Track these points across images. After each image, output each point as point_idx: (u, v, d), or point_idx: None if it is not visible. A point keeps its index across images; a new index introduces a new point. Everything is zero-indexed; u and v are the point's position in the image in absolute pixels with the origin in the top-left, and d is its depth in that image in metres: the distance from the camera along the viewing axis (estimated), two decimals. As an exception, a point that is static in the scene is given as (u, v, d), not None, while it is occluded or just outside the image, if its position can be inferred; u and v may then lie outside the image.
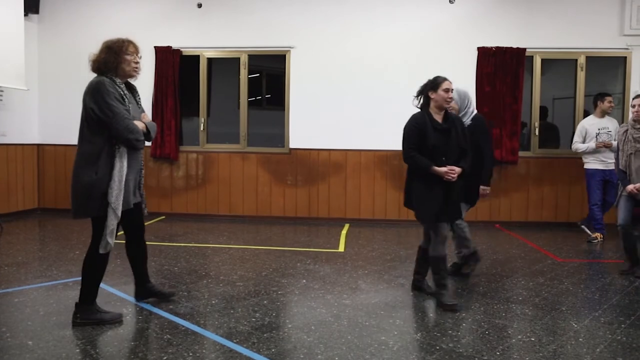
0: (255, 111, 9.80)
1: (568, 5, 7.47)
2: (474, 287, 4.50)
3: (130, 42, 3.47)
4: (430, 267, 4.10)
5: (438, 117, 4.00)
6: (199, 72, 8.03)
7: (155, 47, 7.76)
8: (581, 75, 7.55)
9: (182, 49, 7.87)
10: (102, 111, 3.27)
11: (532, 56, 7.57)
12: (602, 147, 6.32)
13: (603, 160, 6.35)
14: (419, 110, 4.08)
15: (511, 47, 7.39)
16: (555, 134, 7.94)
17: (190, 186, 8.03)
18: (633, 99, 4.80)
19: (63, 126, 8.17)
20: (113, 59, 3.39)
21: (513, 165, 7.58)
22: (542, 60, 7.62)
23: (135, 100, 3.61)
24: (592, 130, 6.46)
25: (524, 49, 7.38)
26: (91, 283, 3.47)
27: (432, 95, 3.98)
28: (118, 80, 3.41)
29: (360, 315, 3.77)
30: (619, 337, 3.41)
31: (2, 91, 7.49)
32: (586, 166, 6.53)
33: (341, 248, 6.05)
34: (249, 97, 8.14)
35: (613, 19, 7.41)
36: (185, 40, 7.91)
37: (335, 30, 7.75)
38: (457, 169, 3.90)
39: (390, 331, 3.48)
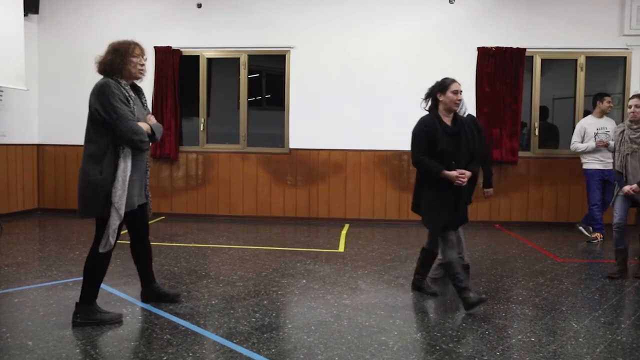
0: (255, 111, 9.81)
1: (568, 5, 7.47)
2: (474, 287, 4.49)
3: (136, 45, 3.51)
4: (446, 274, 4.01)
5: (447, 120, 3.92)
6: (199, 72, 8.03)
7: (155, 47, 7.76)
8: (581, 76, 7.55)
9: (181, 49, 7.87)
10: (106, 112, 3.28)
11: (532, 56, 7.57)
12: (602, 146, 6.32)
13: (602, 160, 6.35)
14: (427, 113, 4.00)
15: (511, 47, 7.39)
16: (554, 134, 7.94)
17: (190, 186, 8.03)
18: (629, 99, 4.78)
19: (63, 126, 8.18)
20: (119, 61, 3.42)
21: (513, 165, 7.58)
22: (542, 60, 7.62)
23: (141, 102, 3.63)
24: (590, 130, 6.47)
25: (524, 49, 7.39)
26: (92, 283, 3.47)
27: (441, 98, 3.91)
28: (123, 82, 3.43)
29: (360, 315, 3.77)
30: (619, 337, 3.41)
31: (2, 91, 7.49)
32: (585, 166, 6.53)
33: (341, 248, 6.05)
34: (248, 97, 8.14)
35: (613, 19, 7.41)
36: (185, 40, 7.91)
37: (335, 30, 7.75)
38: (468, 173, 3.84)
39: (390, 331, 3.48)
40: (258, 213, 7.96)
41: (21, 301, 3.97)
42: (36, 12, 8.03)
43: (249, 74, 8.08)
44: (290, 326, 3.56)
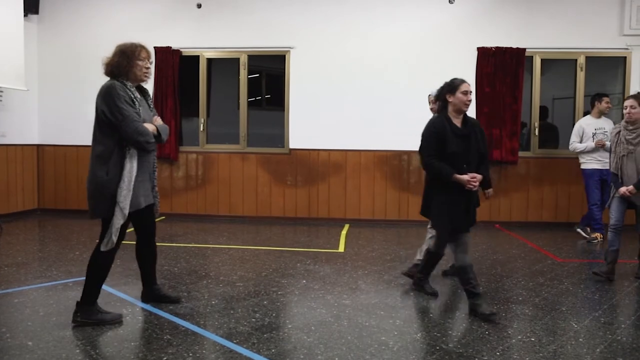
0: (255, 111, 9.81)
1: (568, 5, 7.47)
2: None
3: (142, 48, 3.54)
4: (459, 279, 3.93)
5: (457, 122, 3.82)
6: (199, 73, 8.03)
7: (154, 47, 7.76)
8: (581, 76, 7.55)
9: (181, 49, 7.87)
10: (112, 114, 3.32)
11: (532, 56, 7.57)
12: (601, 146, 6.32)
13: (600, 160, 6.35)
14: (437, 114, 3.93)
15: (511, 47, 7.39)
16: (554, 134, 7.95)
17: (190, 186, 8.03)
18: (625, 100, 4.71)
19: (63, 127, 8.18)
20: (125, 64, 3.45)
21: (513, 165, 7.58)
22: (542, 61, 7.62)
23: (147, 103, 3.66)
24: (588, 130, 6.48)
25: (524, 49, 7.39)
26: (94, 282, 3.48)
27: (450, 99, 3.80)
28: (129, 84, 3.46)
29: (360, 315, 3.77)
30: (619, 338, 3.41)
31: (1, 92, 7.49)
32: (583, 166, 6.54)
33: (341, 248, 6.05)
34: (248, 98, 8.14)
35: (613, 19, 7.41)
36: (184, 40, 7.91)
37: (335, 30, 7.75)
38: (479, 177, 3.76)
39: (391, 331, 3.48)
40: (258, 213, 7.96)
41: (21, 301, 3.97)
42: (36, 12, 8.03)
43: (248, 74, 8.08)
44: (290, 326, 3.56)
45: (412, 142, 4.73)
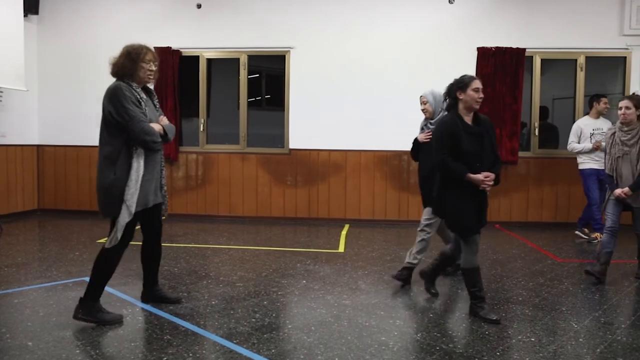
0: (255, 112, 9.81)
1: (568, 5, 7.47)
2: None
3: (148, 50, 3.57)
4: (464, 280, 3.85)
5: (468, 120, 3.73)
6: (199, 73, 8.03)
7: (154, 47, 7.67)
8: (581, 76, 7.55)
9: (181, 50, 7.87)
10: (119, 114, 3.36)
11: (532, 56, 7.57)
12: (597, 148, 6.32)
13: (597, 160, 6.35)
14: (446, 113, 3.85)
15: (511, 47, 7.39)
16: (554, 134, 7.95)
17: (190, 187, 8.03)
18: (620, 101, 4.66)
19: (63, 127, 8.18)
20: (130, 65, 3.48)
21: (513, 165, 7.58)
22: (542, 61, 7.62)
23: (153, 103, 3.70)
24: (586, 131, 6.49)
25: (524, 49, 7.39)
26: (99, 280, 3.50)
27: (461, 96, 3.69)
28: (134, 85, 3.50)
29: (360, 315, 3.77)
30: (619, 338, 3.41)
31: (1, 92, 7.49)
32: (581, 167, 6.54)
33: (341, 248, 6.05)
34: (248, 98, 8.13)
35: (613, 19, 7.41)
36: (184, 40, 7.91)
37: (335, 30, 7.75)
38: (492, 176, 3.66)
39: (391, 332, 3.48)
40: (258, 213, 7.96)
41: (21, 302, 3.97)
42: (36, 12, 8.03)
43: (248, 74, 8.08)
44: (290, 326, 3.56)
45: (412, 142, 4.70)
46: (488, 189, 3.67)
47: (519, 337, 3.40)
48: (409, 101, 7.44)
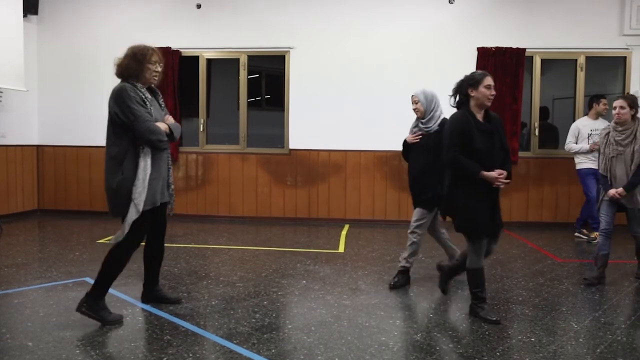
0: (255, 112, 9.81)
1: (568, 5, 7.47)
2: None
3: (154, 51, 3.59)
4: (468, 280, 3.81)
5: (479, 117, 3.68)
6: (199, 73, 8.03)
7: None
8: (581, 76, 7.55)
9: (181, 50, 7.87)
10: (124, 115, 3.40)
11: (532, 56, 7.57)
12: (595, 149, 6.32)
13: (594, 160, 6.34)
14: (456, 109, 3.76)
15: (511, 47, 7.39)
16: (554, 134, 7.94)
17: (190, 187, 8.03)
18: (615, 101, 4.61)
19: (63, 127, 8.18)
20: (136, 66, 3.52)
21: (513, 165, 7.52)
22: (542, 61, 7.62)
23: (158, 103, 3.73)
24: (584, 131, 6.49)
25: (524, 49, 7.38)
26: (106, 278, 3.53)
27: (472, 93, 3.64)
28: (139, 85, 3.54)
29: (360, 316, 3.77)
30: (619, 338, 3.41)
31: (1, 92, 7.49)
32: (579, 166, 6.54)
33: (341, 249, 6.05)
34: (248, 98, 8.13)
35: (613, 19, 7.41)
36: (184, 41, 7.91)
37: (335, 30, 7.75)
38: (505, 173, 3.60)
39: (391, 332, 3.48)
40: (258, 214, 7.96)
41: (21, 302, 3.97)
42: (35, 13, 8.03)
43: (248, 74, 8.08)
44: (290, 327, 3.56)
45: (402, 142, 4.69)
46: (502, 186, 3.62)
47: (519, 337, 3.40)
48: (409, 101, 7.41)
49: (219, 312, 3.82)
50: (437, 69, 7.49)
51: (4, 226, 6.74)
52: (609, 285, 4.61)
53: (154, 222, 3.79)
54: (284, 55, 7.86)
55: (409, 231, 4.49)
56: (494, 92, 3.66)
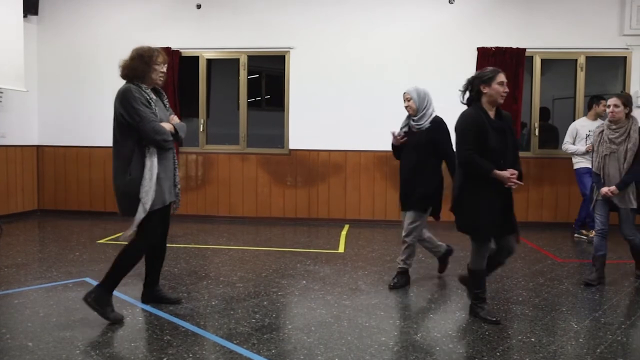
0: (255, 112, 9.82)
1: (568, 5, 7.47)
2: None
3: (160, 52, 3.66)
4: (469, 281, 3.79)
5: (491, 114, 3.60)
6: (199, 73, 8.03)
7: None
8: (581, 76, 7.54)
9: (181, 50, 7.87)
10: (130, 116, 3.44)
11: (532, 56, 7.57)
12: (591, 149, 6.32)
13: (591, 160, 6.35)
14: (468, 106, 3.67)
15: (511, 48, 7.39)
16: (554, 135, 7.94)
17: (190, 187, 8.02)
18: (608, 99, 4.58)
19: (63, 127, 8.18)
20: (143, 68, 3.57)
21: (513, 165, 7.56)
22: (542, 61, 7.61)
23: (163, 104, 3.78)
24: (582, 132, 6.49)
25: (524, 49, 7.38)
26: (116, 273, 3.56)
27: (485, 90, 3.56)
28: (144, 86, 3.58)
29: (360, 316, 3.77)
30: (620, 338, 3.41)
31: (1, 92, 7.49)
32: (577, 166, 6.55)
33: (341, 249, 6.05)
34: (248, 98, 8.13)
35: (613, 19, 7.41)
36: (184, 41, 7.90)
37: (335, 30, 7.75)
38: (516, 173, 3.50)
39: (391, 332, 3.48)
40: (258, 214, 7.95)
41: (21, 302, 3.97)
42: (36, 13, 8.03)
43: (248, 74, 8.08)
44: (290, 327, 3.56)
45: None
46: (514, 187, 3.52)
47: (519, 337, 3.40)
48: (408, 101, 7.46)
49: (219, 312, 3.82)
50: (437, 69, 7.49)
51: (4, 226, 6.74)
52: (609, 285, 4.60)
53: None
54: (284, 56, 7.86)
55: (403, 234, 4.45)
56: (507, 89, 3.60)
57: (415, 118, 4.42)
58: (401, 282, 4.49)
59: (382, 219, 7.78)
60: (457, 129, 3.62)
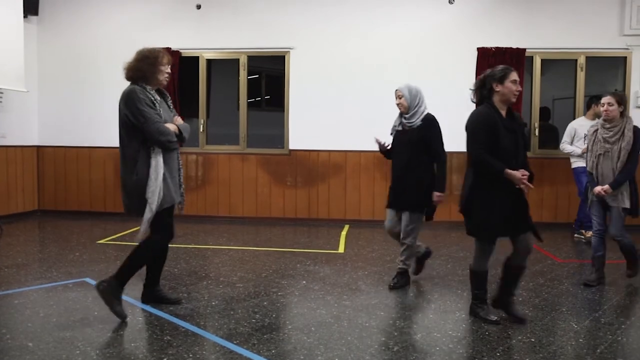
0: (255, 112, 9.82)
1: (568, 6, 7.47)
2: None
3: (165, 54, 3.70)
4: (470, 281, 3.75)
5: (503, 113, 3.54)
6: (199, 73, 8.03)
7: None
8: (581, 76, 7.54)
9: (181, 50, 7.87)
10: (134, 117, 3.49)
11: (532, 56, 7.56)
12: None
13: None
14: (480, 105, 3.61)
15: (511, 48, 7.39)
16: (554, 135, 7.93)
17: (190, 187, 8.02)
18: (603, 97, 4.53)
19: (63, 128, 8.19)
20: (149, 69, 3.60)
21: (513, 165, 7.56)
22: (542, 61, 7.61)
23: (167, 105, 3.81)
24: (581, 132, 6.48)
25: (524, 49, 7.38)
26: (132, 265, 3.63)
27: (498, 88, 3.49)
28: (149, 87, 3.62)
29: (360, 316, 3.77)
30: (620, 338, 3.41)
31: (1, 93, 7.49)
32: (574, 165, 6.55)
33: (341, 249, 6.05)
34: (248, 99, 8.13)
35: (613, 19, 7.41)
36: (184, 41, 7.91)
37: (335, 30, 7.75)
38: (527, 174, 3.48)
39: (391, 332, 3.48)
40: (258, 214, 7.95)
41: (21, 302, 3.97)
42: (36, 13, 8.03)
43: (248, 75, 8.08)
44: (290, 327, 3.56)
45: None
46: (526, 189, 3.48)
47: (519, 338, 3.40)
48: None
49: (219, 312, 3.82)
50: (437, 69, 7.49)
51: (4, 227, 6.75)
52: (609, 285, 4.60)
53: None
54: (284, 56, 7.86)
55: (402, 237, 4.43)
56: (520, 88, 3.54)
57: (406, 116, 4.41)
58: (401, 282, 4.49)
59: (382, 219, 7.70)
60: (468, 127, 3.56)
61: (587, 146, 4.72)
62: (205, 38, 7.92)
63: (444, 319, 3.77)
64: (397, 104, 4.45)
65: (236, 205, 7.98)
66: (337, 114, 7.75)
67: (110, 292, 3.57)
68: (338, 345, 3.23)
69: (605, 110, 4.46)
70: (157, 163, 3.51)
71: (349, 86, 7.73)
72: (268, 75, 10.36)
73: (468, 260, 4.82)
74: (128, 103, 3.50)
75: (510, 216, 3.53)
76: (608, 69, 7.98)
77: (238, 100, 8.09)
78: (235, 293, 4.29)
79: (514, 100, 3.55)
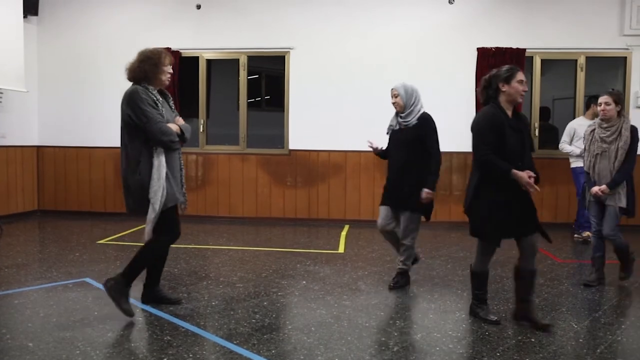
0: (255, 112, 9.82)
1: (568, 6, 7.47)
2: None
3: (167, 54, 3.73)
4: (471, 282, 3.73)
5: (509, 114, 3.51)
6: (199, 74, 8.03)
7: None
8: (581, 76, 7.54)
9: (181, 50, 7.87)
10: (137, 117, 3.51)
11: (532, 57, 7.56)
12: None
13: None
14: (485, 105, 3.58)
15: (511, 48, 7.39)
16: (554, 135, 7.93)
17: (190, 188, 8.01)
18: (600, 97, 4.50)
19: (63, 128, 8.19)
20: (151, 69, 3.63)
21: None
22: (542, 61, 7.61)
23: (169, 105, 3.83)
24: (580, 132, 6.46)
25: (524, 50, 7.38)
26: (136, 266, 3.67)
27: (504, 88, 3.46)
28: (151, 88, 3.64)
29: (360, 316, 3.77)
30: (620, 338, 3.41)
31: (1, 93, 7.49)
32: (573, 165, 6.55)
33: (341, 249, 6.05)
34: (248, 99, 8.14)
35: (613, 19, 7.41)
36: (184, 41, 7.91)
37: (335, 30, 7.75)
38: (534, 176, 3.44)
39: (391, 332, 3.48)
40: (258, 214, 7.95)
41: (21, 303, 3.97)
42: (35, 13, 8.03)
43: (248, 75, 8.08)
44: (290, 327, 3.56)
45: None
46: (532, 191, 3.46)
47: (519, 338, 3.40)
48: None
49: (219, 312, 3.82)
50: (437, 69, 7.49)
51: (4, 227, 6.75)
52: (609, 285, 4.60)
53: None
54: (284, 56, 7.86)
55: (401, 238, 4.42)
56: (526, 88, 3.51)
57: (402, 115, 4.40)
58: (401, 282, 4.49)
59: (382, 219, 7.76)
60: (474, 128, 3.54)
61: (585, 146, 4.70)
62: (205, 38, 7.92)
63: (444, 319, 3.77)
64: (393, 103, 4.45)
65: (236, 205, 7.98)
66: (337, 114, 7.76)
67: (118, 289, 3.59)
68: (338, 345, 3.23)
69: (603, 110, 4.43)
70: (160, 163, 3.53)
71: (349, 86, 7.73)
72: (268, 76, 10.36)
73: (468, 260, 4.84)
74: (130, 103, 3.52)
75: (516, 217, 3.52)
76: (608, 69, 7.98)
77: (238, 100, 8.09)
78: (235, 293, 4.29)
79: (520, 100, 3.53)
